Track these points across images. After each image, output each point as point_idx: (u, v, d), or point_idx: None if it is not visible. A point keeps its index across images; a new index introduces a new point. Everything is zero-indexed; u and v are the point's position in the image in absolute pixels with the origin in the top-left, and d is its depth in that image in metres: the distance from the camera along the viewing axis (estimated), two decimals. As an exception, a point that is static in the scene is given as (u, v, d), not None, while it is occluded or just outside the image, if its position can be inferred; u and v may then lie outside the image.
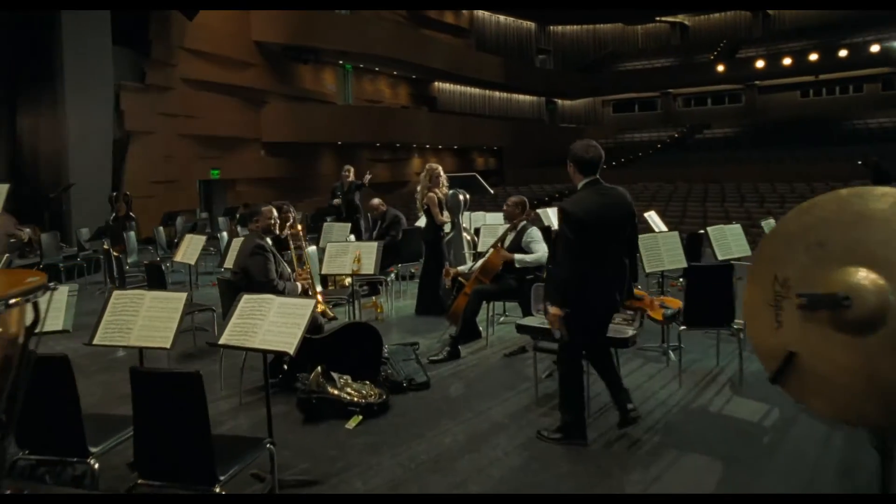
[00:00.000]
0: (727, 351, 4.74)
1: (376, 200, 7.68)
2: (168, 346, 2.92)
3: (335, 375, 3.95)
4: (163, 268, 5.71)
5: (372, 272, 4.86)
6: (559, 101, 33.44)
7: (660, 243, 4.78)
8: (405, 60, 21.86)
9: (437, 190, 6.35)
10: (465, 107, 28.42)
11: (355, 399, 3.78)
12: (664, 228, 6.84)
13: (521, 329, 3.96)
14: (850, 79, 27.64)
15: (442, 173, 6.44)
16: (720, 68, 29.11)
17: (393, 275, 6.71)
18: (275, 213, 4.51)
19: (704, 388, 4.11)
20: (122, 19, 12.88)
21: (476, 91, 28.90)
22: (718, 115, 31.32)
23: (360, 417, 3.72)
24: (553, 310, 3.19)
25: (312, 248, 5.41)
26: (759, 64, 27.70)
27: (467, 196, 6.67)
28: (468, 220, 7.41)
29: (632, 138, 31.24)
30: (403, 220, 7.52)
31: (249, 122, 17.56)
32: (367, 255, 4.90)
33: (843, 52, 24.81)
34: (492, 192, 21.08)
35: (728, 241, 5.31)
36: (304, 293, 4.63)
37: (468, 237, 6.54)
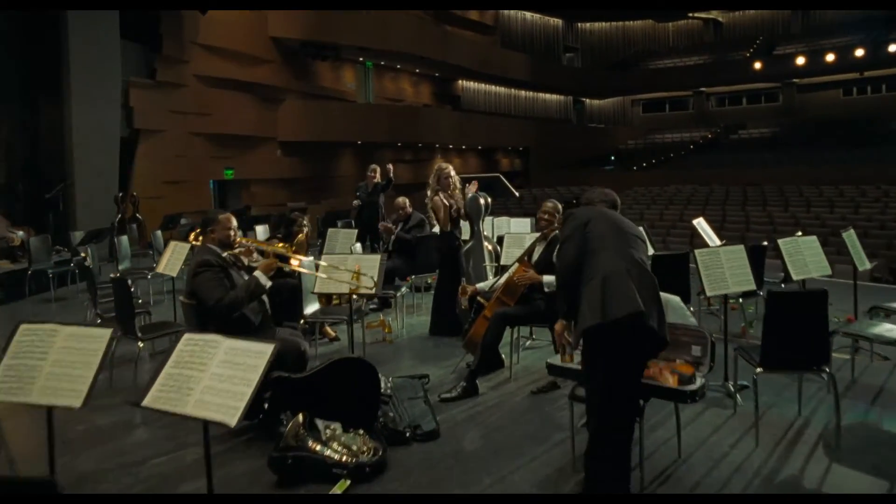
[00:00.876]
0: (809, 392, 3.84)
1: (402, 199, 6.88)
2: (78, 404, 2.16)
3: (320, 425, 3.17)
4: (129, 282, 4.97)
5: (372, 291, 4.07)
6: (587, 101, 32.38)
7: (723, 260, 3.91)
8: (428, 58, 21.12)
9: (444, 194, 5.51)
10: (489, 106, 27.58)
11: (343, 458, 2.99)
12: (716, 239, 5.93)
13: (553, 370, 3.14)
14: (897, 76, 26.12)
15: (453, 174, 5.57)
16: (757, 66, 27.80)
17: (405, 288, 5.91)
18: (233, 221, 3.75)
19: (789, 448, 3.23)
20: (131, 13, 12.34)
21: (501, 90, 28.03)
22: (754, 114, 29.99)
23: (348, 482, 2.93)
24: (558, 325, 2.84)
25: (309, 259, 4.63)
26: (800, 61, 26.36)
27: (489, 200, 5.84)
28: (490, 226, 6.59)
29: (662, 139, 30.05)
30: (428, 227, 6.72)
31: (265, 121, 16.95)
32: (367, 269, 4.11)
33: (893, 48, 23.36)
34: (517, 194, 20.17)
35: (804, 256, 4.40)
36: (266, 258, 3.76)
37: (489, 247, 5.72)
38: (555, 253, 4.26)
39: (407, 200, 6.82)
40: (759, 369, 3.22)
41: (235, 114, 15.67)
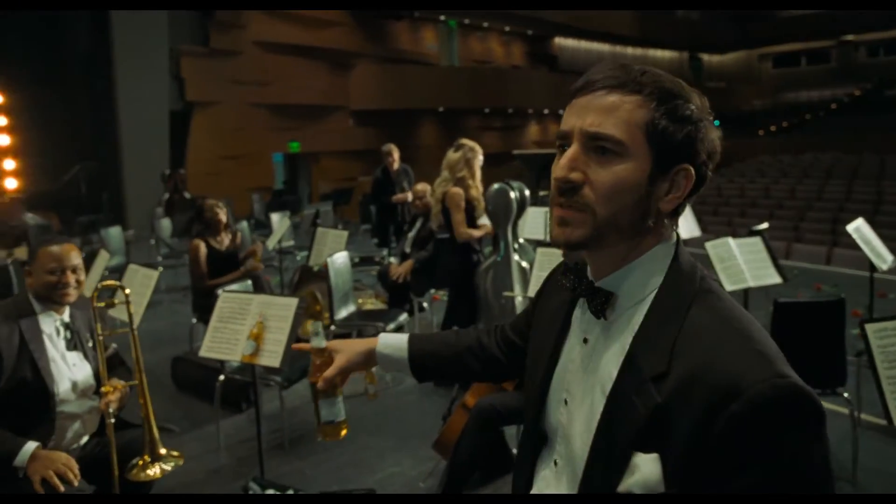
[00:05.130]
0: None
1: (422, 186, 5.24)
2: None
3: None
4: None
5: (277, 363, 2.46)
6: (705, 57, 28.60)
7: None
8: (519, 14, 18.94)
9: (471, 181, 3.87)
10: (591, 65, 24.63)
11: None
12: (887, 255, 3.78)
13: None
14: None
15: (481, 155, 3.95)
16: (923, 5, 22.93)
17: (404, 316, 4.27)
18: (70, 258, 2.19)
19: None
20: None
21: (605, 47, 25.17)
22: (917, 65, 25.07)
23: None
24: None
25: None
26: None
27: (526, 193, 4.03)
28: (537, 229, 4.77)
29: (796, 98, 25.94)
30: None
31: (335, 89, 15.73)
32: (276, 324, 2.52)
33: None
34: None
35: None
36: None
37: (524, 263, 3.93)
38: None
39: (428, 189, 5.13)
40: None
41: (300, 82, 14.54)
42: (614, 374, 0.83)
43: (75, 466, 1.93)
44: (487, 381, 1.95)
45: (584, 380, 0.89)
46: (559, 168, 0.85)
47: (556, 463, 0.94)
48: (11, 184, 8.08)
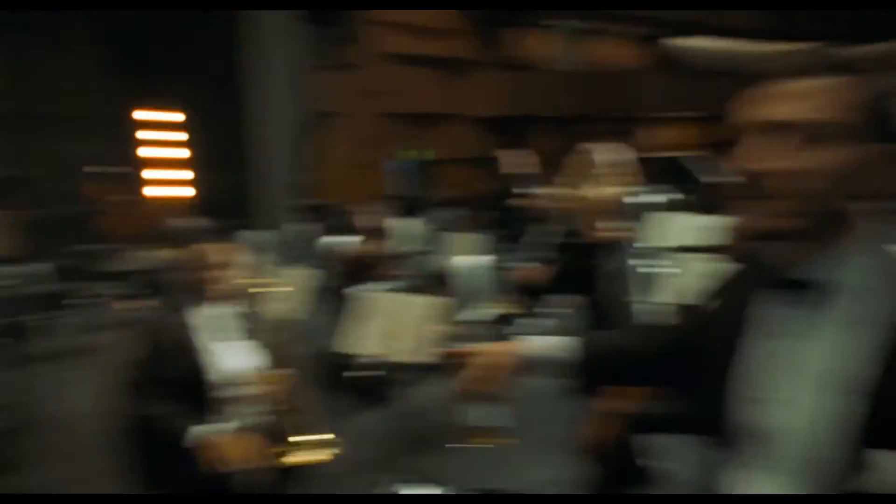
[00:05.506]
0: None
1: (547, 191, 5.25)
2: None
3: None
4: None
5: (413, 359, 2.53)
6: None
7: None
8: (639, 15, 18.42)
9: (590, 185, 3.81)
10: (714, 66, 23.51)
11: None
12: None
13: None
14: None
15: (606, 157, 3.86)
16: None
17: (538, 322, 4.28)
18: (224, 253, 2.36)
19: None
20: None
21: (729, 45, 23.75)
22: None
23: None
24: None
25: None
26: None
27: (653, 199, 3.91)
28: (668, 236, 4.59)
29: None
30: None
31: (453, 96, 16.12)
32: (410, 322, 2.61)
33: None
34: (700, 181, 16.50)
35: None
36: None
37: (655, 269, 3.81)
38: None
39: (554, 193, 5.09)
40: None
41: (420, 90, 15.10)
42: (831, 366, 0.81)
43: (255, 446, 2.11)
44: (649, 384, 1.91)
45: (791, 376, 0.87)
46: (750, 161, 0.85)
47: (756, 464, 0.91)
48: (188, 192, 9.26)
